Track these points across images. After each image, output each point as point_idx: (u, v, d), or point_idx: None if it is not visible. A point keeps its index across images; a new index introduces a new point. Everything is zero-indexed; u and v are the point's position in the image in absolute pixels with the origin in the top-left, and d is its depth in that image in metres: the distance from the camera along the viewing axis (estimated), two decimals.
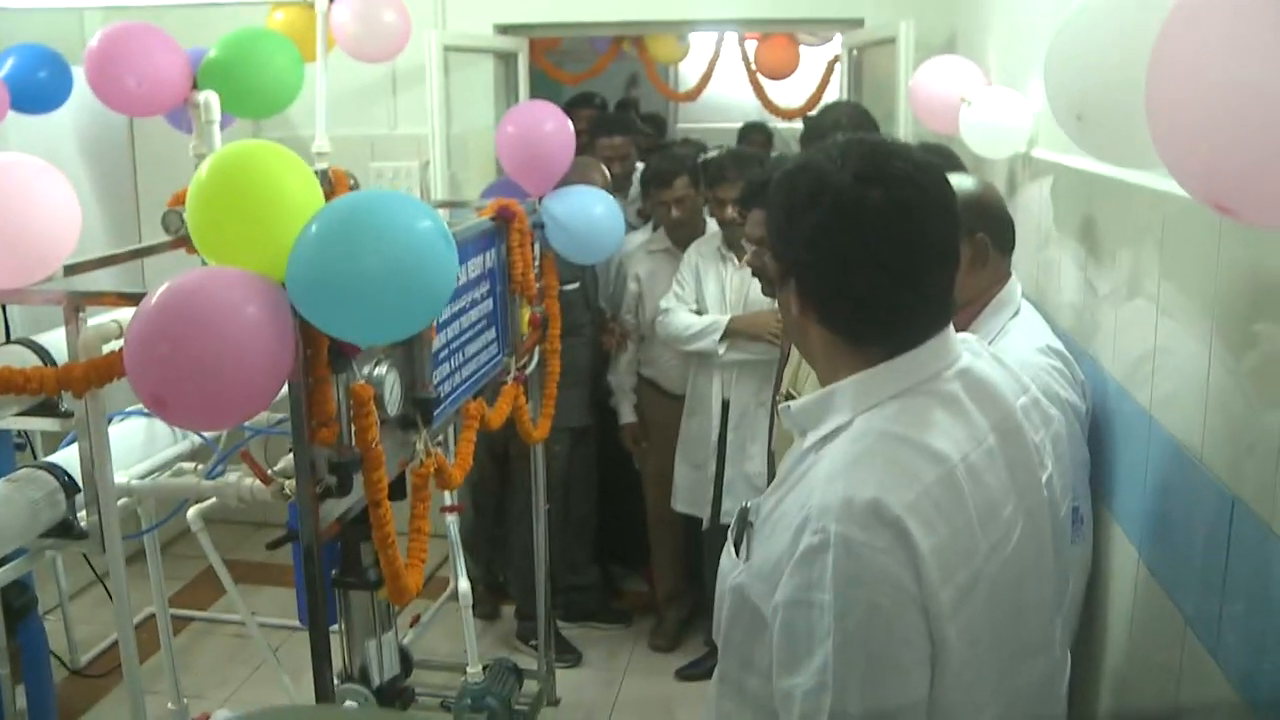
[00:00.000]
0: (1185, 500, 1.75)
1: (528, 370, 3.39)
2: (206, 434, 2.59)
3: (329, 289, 1.85)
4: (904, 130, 4.08)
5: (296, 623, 3.71)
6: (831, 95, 5.80)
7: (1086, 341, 2.29)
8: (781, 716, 1.37)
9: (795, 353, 2.60)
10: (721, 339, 3.82)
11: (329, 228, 1.86)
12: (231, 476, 2.33)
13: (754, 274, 3.62)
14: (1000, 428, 1.46)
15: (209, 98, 2.56)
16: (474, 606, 4.44)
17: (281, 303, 1.87)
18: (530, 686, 3.86)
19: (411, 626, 4.08)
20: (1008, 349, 1.92)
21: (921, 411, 1.40)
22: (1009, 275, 2.16)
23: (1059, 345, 2.10)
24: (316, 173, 2.80)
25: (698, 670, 4.08)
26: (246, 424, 2.55)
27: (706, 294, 3.94)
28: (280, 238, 1.88)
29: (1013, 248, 2.17)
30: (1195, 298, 1.72)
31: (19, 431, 3.40)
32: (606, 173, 4.08)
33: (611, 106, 7.45)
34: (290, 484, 2.17)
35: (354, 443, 2.17)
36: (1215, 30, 0.98)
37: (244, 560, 4.59)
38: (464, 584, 3.63)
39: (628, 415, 4.34)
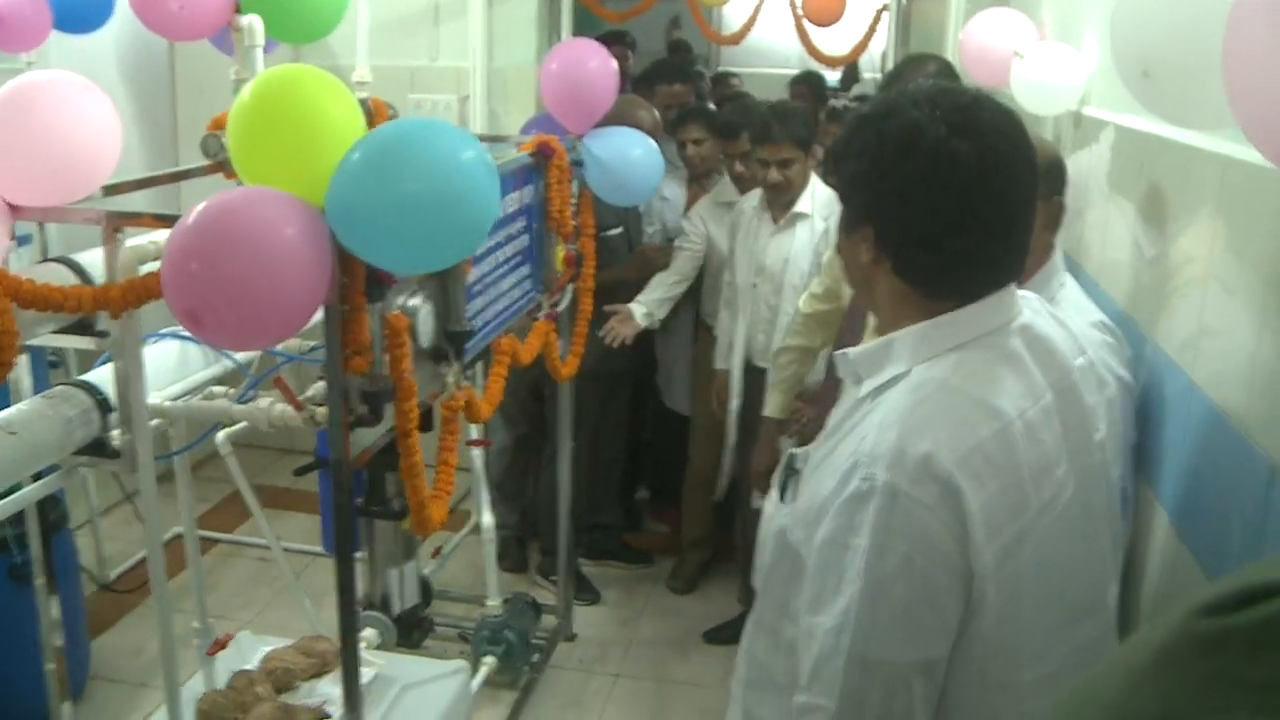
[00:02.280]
0: (1225, 471, 1.73)
1: (560, 308, 3.38)
2: (239, 358, 2.60)
3: (369, 215, 1.84)
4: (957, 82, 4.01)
5: (320, 549, 3.80)
6: (878, 45, 5.71)
7: (1135, 311, 2.25)
8: (801, 652, 1.39)
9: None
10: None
11: (372, 154, 1.85)
12: (263, 402, 2.34)
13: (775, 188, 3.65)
14: (1058, 386, 1.45)
15: (252, 21, 2.53)
16: (501, 559, 4.51)
17: (320, 227, 1.87)
18: (548, 621, 3.90)
19: (433, 557, 4.13)
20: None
21: (982, 365, 1.39)
22: (1053, 244, 2.13)
23: (1108, 320, 2.07)
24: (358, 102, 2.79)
25: (723, 635, 3.98)
26: (279, 350, 2.56)
27: (739, 257, 3.85)
28: (322, 163, 1.87)
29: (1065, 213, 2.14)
30: (1251, 267, 1.68)
31: (53, 349, 3.44)
32: (655, 114, 4.03)
33: (658, 46, 7.39)
34: (321, 411, 2.17)
35: (387, 372, 2.17)
36: None
37: (271, 485, 4.63)
38: (487, 518, 3.66)
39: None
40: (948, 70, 3.21)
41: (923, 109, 1.36)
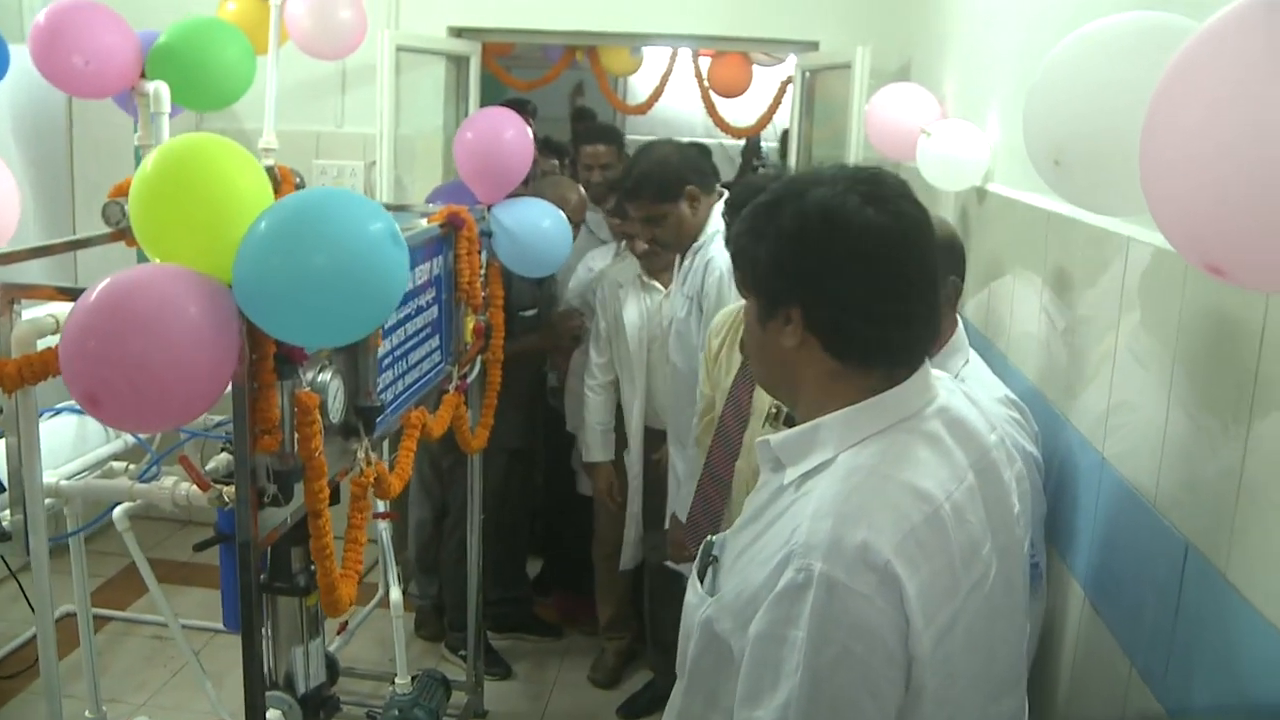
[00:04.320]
0: (1138, 546, 1.76)
1: (469, 379, 3.34)
2: (140, 434, 2.52)
3: (276, 290, 1.79)
4: (855, 156, 4.09)
5: (220, 625, 3.66)
6: (783, 116, 5.82)
7: (1045, 385, 2.29)
8: None
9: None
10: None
11: (277, 227, 1.80)
12: (167, 481, 2.26)
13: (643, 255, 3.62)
14: (978, 466, 1.46)
15: (159, 88, 2.48)
16: (419, 628, 4.44)
17: (227, 304, 1.81)
18: (459, 698, 3.81)
19: (339, 633, 4.01)
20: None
21: (906, 449, 1.40)
22: (957, 320, 2.16)
23: (1014, 395, 2.09)
24: (263, 169, 2.74)
25: (638, 707, 3.94)
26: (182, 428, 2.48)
27: (626, 322, 3.83)
28: (228, 236, 1.82)
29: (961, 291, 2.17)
30: (1157, 341, 1.72)
31: None
32: (583, 193, 4.05)
33: (562, 112, 7.44)
34: (229, 490, 2.10)
35: (297, 451, 2.11)
36: (1216, 93, 0.97)
37: (167, 559, 4.48)
38: (395, 593, 3.58)
39: (599, 454, 4.03)
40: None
41: (829, 185, 1.40)
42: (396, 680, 3.51)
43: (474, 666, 3.88)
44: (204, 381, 1.77)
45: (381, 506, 3.72)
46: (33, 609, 3.51)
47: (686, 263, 3.44)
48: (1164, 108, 1.02)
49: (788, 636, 1.29)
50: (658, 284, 3.79)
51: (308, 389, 2.10)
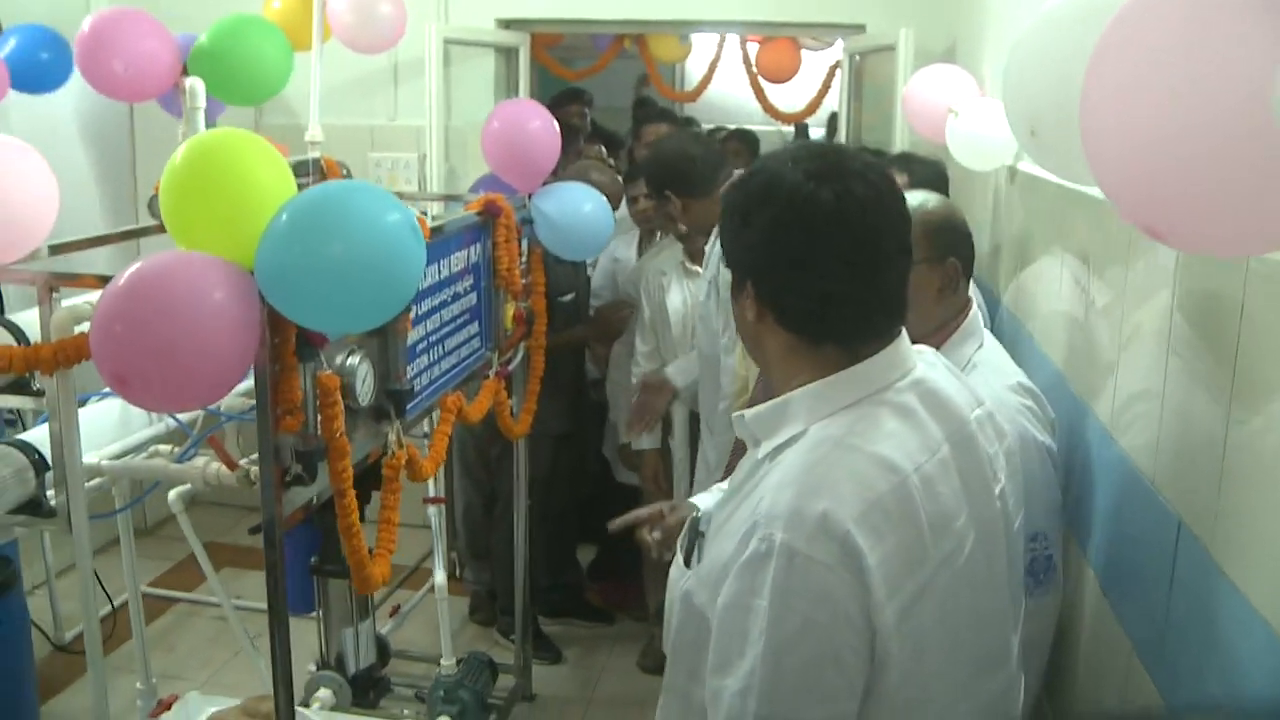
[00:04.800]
0: (1138, 525, 1.76)
1: (511, 366, 3.39)
2: (181, 417, 2.61)
3: (296, 277, 1.86)
4: (900, 139, 4.08)
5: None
6: (832, 100, 5.79)
7: (1069, 370, 2.27)
8: (710, 715, 1.39)
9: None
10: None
11: (298, 217, 1.87)
12: (200, 460, 2.34)
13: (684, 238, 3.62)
14: (954, 438, 1.47)
15: (194, 84, 2.57)
16: (473, 613, 4.54)
17: (249, 290, 1.88)
18: (506, 681, 3.87)
19: (391, 617, 4.11)
20: (978, 387, 1.90)
21: (875, 421, 1.41)
22: (970, 303, 2.14)
23: (1029, 382, 2.07)
24: (309, 161, 2.83)
25: None
26: (220, 409, 2.57)
27: (670, 309, 3.85)
28: (251, 226, 1.89)
29: (972, 274, 2.15)
30: (1153, 317, 1.72)
31: (10, 409, 3.44)
32: (615, 176, 4.08)
33: (628, 103, 7.48)
34: (256, 470, 2.18)
35: (320, 431, 2.18)
36: (1147, 58, 0.98)
37: (232, 544, 4.62)
38: (440, 575, 3.64)
39: (645, 441, 4.00)
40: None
41: (784, 162, 1.42)
42: (442, 662, 3.58)
43: (522, 650, 3.94)
44: (226, 363, 1.84)
45: (431, 492, 3.81)
46: (107, 593, 3.69)
47: (709, 247, 3.46)
48: (1098, 73, 1.04)
49: (752, 606, 1.31)
50: (700, 269, 3.78)
51: (330, 372, 2.17)
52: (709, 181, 3.45)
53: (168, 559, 4.78)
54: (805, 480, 1.34)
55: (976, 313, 2.13)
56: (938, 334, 2.03)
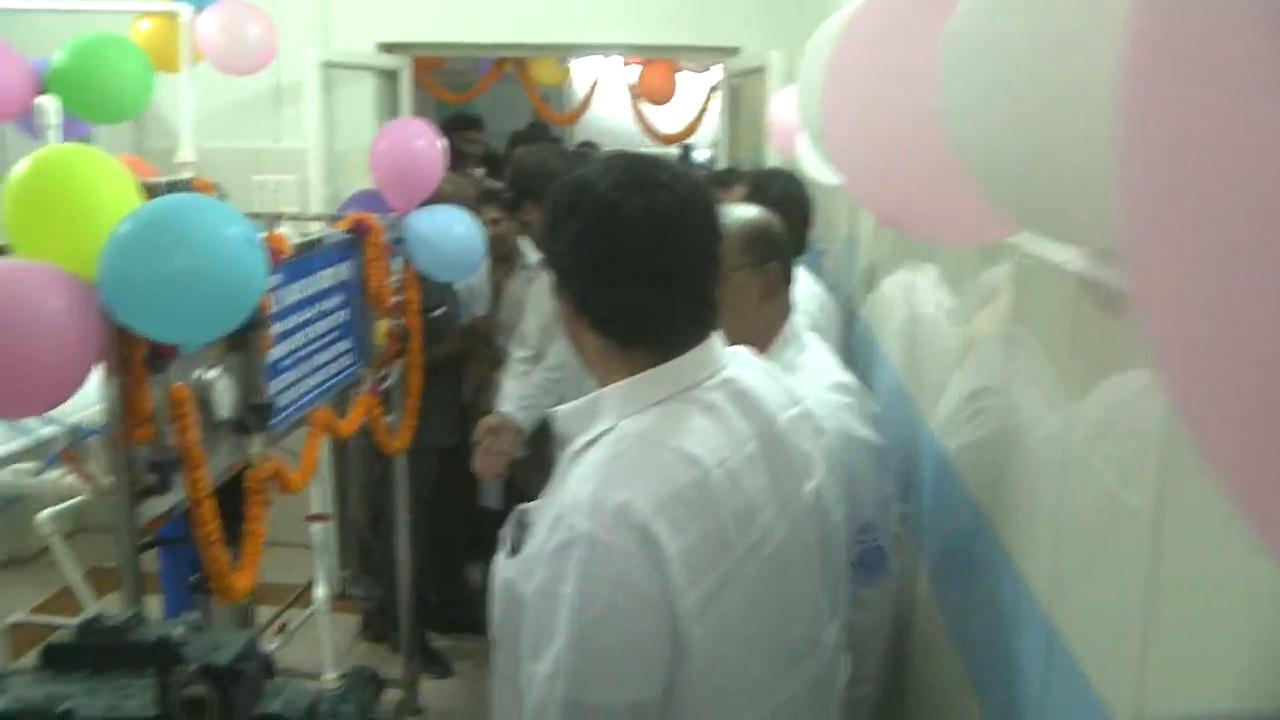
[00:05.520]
0: (953, 518, 1.86)
1: (387, 383, 3.43)
2: (42, 432, 2.62)
3: (136, 288, 1.90)
4: (772, 157, 4.19)
5: None
6: (710, 122, 5.92)
7: (904, 376, 2.37)
8: (525, 700, 1.43)
9: None
10: None
11: (139, 228, 1.91)
12: (53, 474, 2.36)
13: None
14: (763, 435, 1.52)
15: (45, 102, 2.60)
16: (365, 629, 4.53)
17: (88, 301, 1.92)
18: (395, 695, 3.89)
19: (277, 634, 4.10)
20: (799, 387, 1.95)
21: (680, 417, 1.46)
22: (791, 308, 2.20)
23: (848, 380, 2.13)
24: (179, 181, 2.85)
25: None
26: (81, 424, 2.58)
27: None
28: (93, 238, 1.92)
29: (792, 281, 2.22)
30: (966, 322, 1.83)
31: None
32: (460, 181, 4.13)
33: (520, 126, 7.54)
34: (109, 481, 2.20)
35: (174, 443, 2.21)
36: (866, 80, 1.07)
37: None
38: (322, 591, 3.66)
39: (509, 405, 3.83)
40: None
41: (596, 172, 1.48)
42: (324, 677, 3.59)
43: (409, 665, 3.96)
44: (62, 371, 1.88)
45: (315, 509, 3.83)
46: None
47: None
48: (834, 81, 1.13)
49: (558, 593, 1.35)
50: None
51: (181, 384, 2.20)
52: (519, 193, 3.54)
53: (52, 585, 4.70)
54: (607, 472, 1.39)
55: (798, 318, 2.20)
56: (763, 338, 2.10)
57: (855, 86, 1.07)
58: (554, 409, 1.58)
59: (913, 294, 2.37)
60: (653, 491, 1.37)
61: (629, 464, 1.40)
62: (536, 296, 3.87)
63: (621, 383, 1.49)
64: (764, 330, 2.10)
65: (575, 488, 1.40)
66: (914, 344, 2.32)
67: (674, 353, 1.48)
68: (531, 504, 1.61)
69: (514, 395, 3.59)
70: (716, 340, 1.54)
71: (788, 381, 1.70)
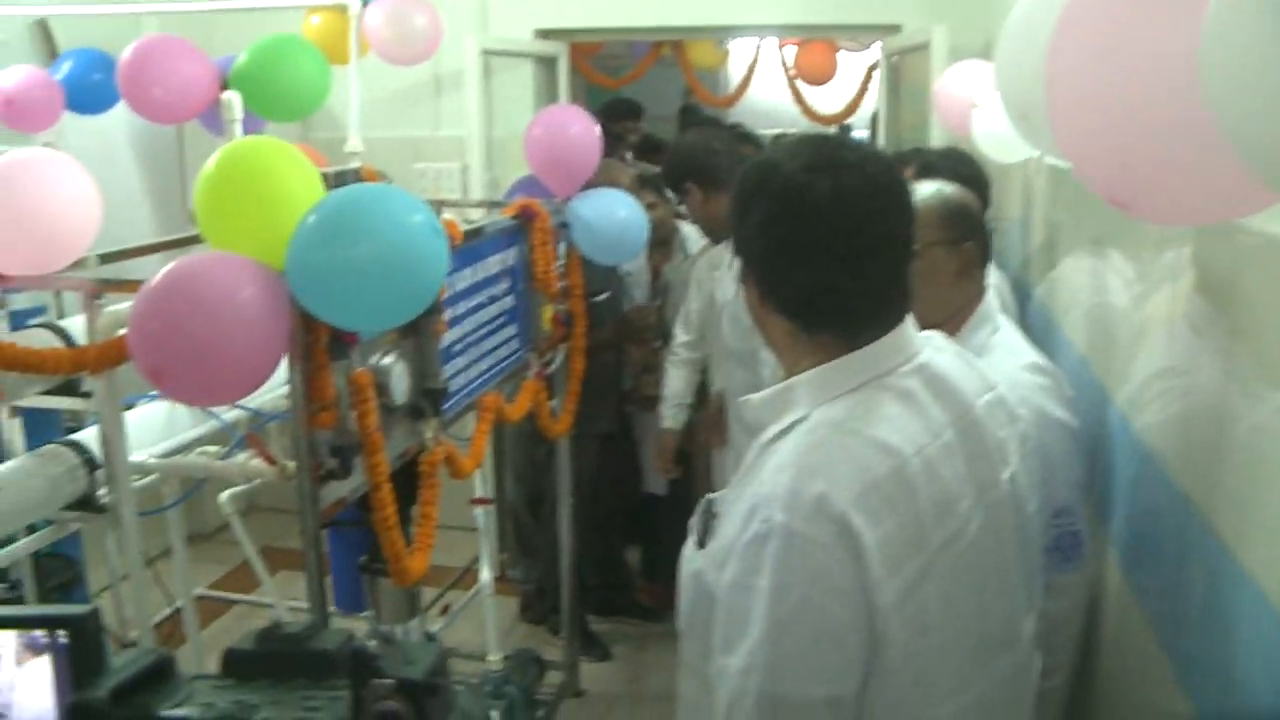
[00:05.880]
0: (1152, 504, 1.77)
1: (551, 368, 3.46)
2: (225, 417, 2.70)
3: (322, 276, 1.93)
4: (936, 137, 4.09)
5: (333, 609, 3.86)
6: (870, 102, 5.80)
7: (1091, 355, 2.28)
8: (717, 693, 1.41)
9: None
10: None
11: (325, 218, 1.95)
12: (240, 457, 2.43)
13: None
14: (959, 423, 1.48)
15: (231, 97, 2.68)
16: (524, 612, 4.61)
17: (278, 289, 1.96)
18: (555, 677, 3.93)
19: (441, 615, 4.18)
20: (992, 368, 1.89)
21: (876, 405, 1.42)
22: (985, 289, 2.15)
23: (1044, 361, 2.08)
24: (348, 171, 2.91)
25: None
26: (262, 409, 2.66)
27: (720, 304, 3.73)
28: (280, 228, 1.97)
29: (989, 260, 2.17)
30: (1166, 300, 1.73)
31: (69, 412, 3.57)
32: (630, 175, 4.13)
33: (674, 111, 7.53)
34: (292, 466, 2.26)
35: (354, 427, 2.25)
36: (1103, 35, 1.01)
37: (289, 548, 4.68)
38: (485, 574, 3.71)
39: (670, 420, 4.02)
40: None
41: (783, 154, 1.45)
42: (489, 658, 3.64)
43: (569, 647, 3.99)
44: (254, 360, 1.93)
45: (479, 493, 3.89)
46: (169, 595, 3.80)
47: None
48: (1059, 51, 1.07)
49: (753, 585, 1.34)
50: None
51: (362, 369, 2.24)
52: (730, 174, 3.45)
53: (227, 562, 4.90)
54: (803, 462, 1.36)
55: (992, 298, 2.15)
56: (954, 319, 2.05)
57: (1089, 55, 1.00)
58: (745, 398, 1.56)
59: (1099, 275, 2.28)
60: (850, 482, 1.34)
61: (825, 454, 1.37)
62: (697, 281, 3.86)
63: (813, 370, 1.46)
64: (957, 310, 2.06)
65: (771, 479, 1.37)
66: (1102, 326, 2.22)
67: (862, 340, 1.45)
68: (719, 494, 1.59)
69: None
70: (909, 325, 1.50)
71: (980, 365, 1.65)
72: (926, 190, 2.06)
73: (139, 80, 2.76)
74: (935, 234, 2.01)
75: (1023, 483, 1.58)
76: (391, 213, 1.98)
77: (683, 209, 4.01)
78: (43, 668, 0.90)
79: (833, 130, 6.94)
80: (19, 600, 3.07)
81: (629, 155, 4.98)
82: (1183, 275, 1.70)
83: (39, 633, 0.91)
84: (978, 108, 2.86)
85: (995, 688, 1.51)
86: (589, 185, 3.45)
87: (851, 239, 1.41)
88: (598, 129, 3.43)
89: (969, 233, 2.08)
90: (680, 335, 3.97)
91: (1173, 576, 1.65)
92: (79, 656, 0.91)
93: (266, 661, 1.04)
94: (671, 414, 4.00)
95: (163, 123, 3.36)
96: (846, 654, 1.34)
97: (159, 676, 0.96)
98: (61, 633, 0.91)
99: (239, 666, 1.03)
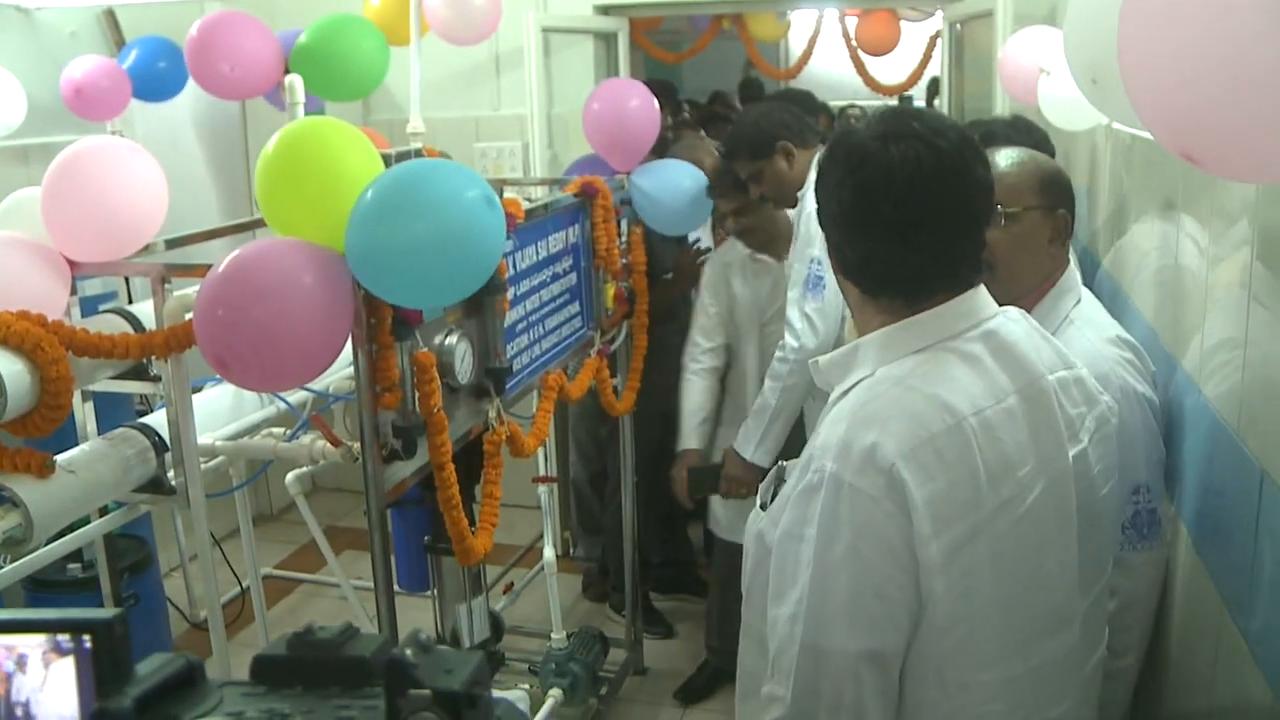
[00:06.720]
0: (1224, 477, 1.73)
1: (614, 345, 3.45)
2: (290, 399, 2.73)
3: (378, 253, 1.94)
4: (1000, 105, 4.01)
5: (398, 588, 3.90)
6: (932, 71, 5.71)
7: (1158, 325, 2.23)
8: (769, 643, 1.44)
9: None
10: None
11: (381, 196, 1.95)
12: (306, 439, 2.45)
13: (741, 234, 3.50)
14: (1025, 390, 1.47)
15: (294, 80, 2.69)
16: (586, 589, 4.63)
17: (340, 272, 1.97)
18: (618, 655, 3.94)
19: (505, 593, 4.21)
20: (1076, 340, 1.87)
21: (939, 365, 1.43)
22: (1069, 260, 2.11)
23: (1128, 335, 2.04)
24: (409, 151, 2.92)
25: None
26: (327, 391, 2.68)
27: (738, 303, 3.63)
28: (341, 210, 1.97)
29: (1073, 232, 2.13)
30: (1236, 267, 1.69)
31: (141, 396, 3.63)
32: (714, 155, 4.09)
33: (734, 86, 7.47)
34: (357, 446, 2.27)
35: (418, 408, 2.26)
36: None
37: (353, 527, 4.78)
38: (549, 552, 3.72)
39: (691, 440, 3.63)
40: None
41: (868, 121, 1.49)
42: (553, 636, 3.66)
43: (632, 624, 4.00)
44: (318, 343, 1.94)
45: (541, 471, 3.90)
46: (236, 575, 3.87)
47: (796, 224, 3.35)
48: (1132, 4, 1.04)
49: (803, 535, 1.36)
50: (767, 258, 3.57)
51: (425, 350, 2.25)
52: (815, 132, 3.31)
53: (292, 542, 4.98)
54: (859, 414, 1.38)
55: (1074, 270, 2.11)
56: (1042, 284, 2.03)
57: (1164, 4, 0.98)
58: (817, 358, 1.58)
59: (1168, 242, 2.22)
60: (904, 436, 1.35)
61: (881, 407, 1.39)
62: (711, 285, 3.72)
63: (879, 331, 1.48)
64: (1045, 275, 2.03)
65: (827, 430, 1.41)
66: (1172, 295, 2.16)
67: (920, 306, 1.46)
68: (791, 461, 1.58)
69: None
70: (980, 292, 1.50)
71: (1059, 344, 1.62)
72: (1020, 155, 2.03)
73: (206, 56, 2.79)
74: (1032, 199, 1.98)
75: (1093, 463, 1.56)
76: (446, 186, 1.97)
77: None
78: (67, 670, 0.90)
79: (894, 100, 6.91)
80: (93, 581, 3.14)
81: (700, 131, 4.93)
82: (1252, 242, 1.65)
83: (63, 636, 0.90)
84: (1047, 73, 2.79)
85: (1045, 664, 1.49)
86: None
87: (906, 209, 1.42)
88: (655, 103, 3.41)
89: (1061, 199, 2.04)
90: (701, 343, 3.71)
91: (1247, 553, 1.61)
92: (103, 662, 0.90)
93: (299, 668, 1.03)
94: (692, 430, 3.64)
95: (229, 99, 3.39)
96: (890, 608, 1.35)
97: (186, 682, 0.96)
98: (86, 637, 0.90)
99: (270, 672, 1.02)
